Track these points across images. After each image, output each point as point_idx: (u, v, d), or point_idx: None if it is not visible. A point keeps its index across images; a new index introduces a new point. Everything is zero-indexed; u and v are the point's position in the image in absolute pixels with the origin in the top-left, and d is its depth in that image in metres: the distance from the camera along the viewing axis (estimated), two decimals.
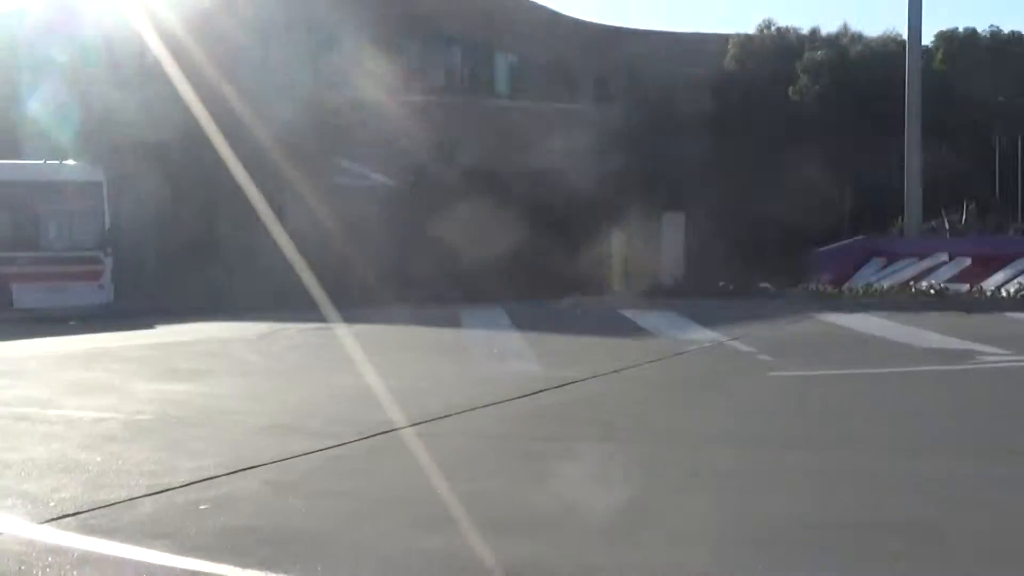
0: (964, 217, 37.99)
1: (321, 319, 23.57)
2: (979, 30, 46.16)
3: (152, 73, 29.52)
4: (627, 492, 9.42)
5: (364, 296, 26.71)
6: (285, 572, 7.21)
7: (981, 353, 18.21)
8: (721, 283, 31.40)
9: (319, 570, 7.22)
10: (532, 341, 21.38)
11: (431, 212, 33.44)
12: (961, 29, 45.74)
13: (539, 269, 29.69)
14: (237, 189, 26.69)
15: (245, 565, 7.33)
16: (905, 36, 38.76)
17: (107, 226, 26.99)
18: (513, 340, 21.77)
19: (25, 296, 25.38)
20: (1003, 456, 10.80)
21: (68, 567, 7.48)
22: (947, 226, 36.92)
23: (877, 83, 40.30)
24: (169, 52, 29.35)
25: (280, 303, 23.25)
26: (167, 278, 30.31)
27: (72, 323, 24.69)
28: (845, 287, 30.65)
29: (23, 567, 7.50)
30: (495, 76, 44.29)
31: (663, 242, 33.76)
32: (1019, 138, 42.71)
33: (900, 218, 35.61)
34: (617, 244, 33.53)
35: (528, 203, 34.82)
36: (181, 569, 7.35)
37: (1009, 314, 25.45)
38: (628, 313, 26.64)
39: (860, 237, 35.26)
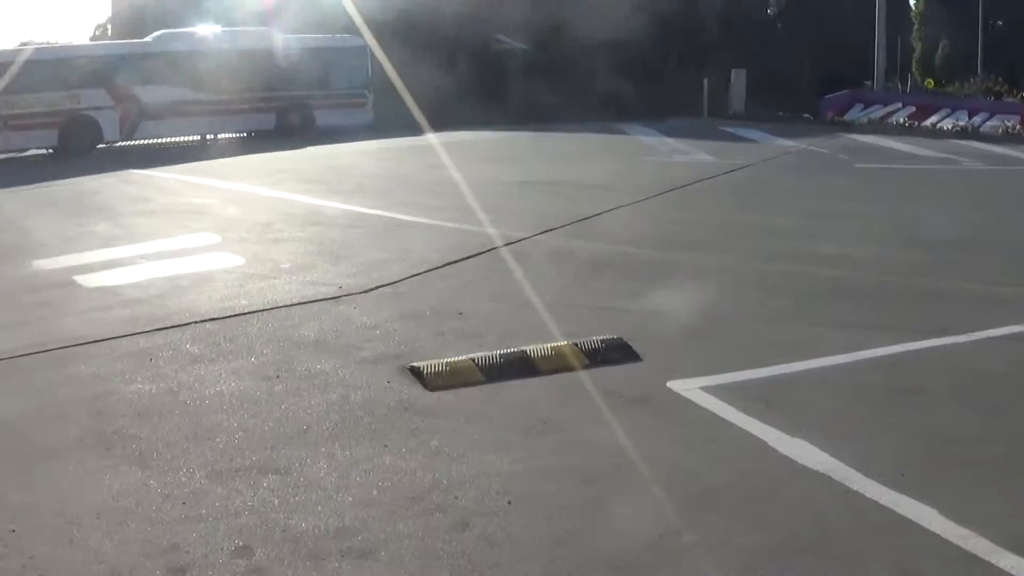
0: (909, 83, 37.87)
1: (524, 129, 21.47)
2: None
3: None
4: (802, 219, 11.26)
5: (530, 116, 24.89)
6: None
7: (957, 161, 18.42)
8: (780, 112, 30.06)
9: (656, 279, 7.97)
10: (689, 143, 19.70)
11: (555, 65, 31.25)
12: None
13: (642, 101, 28.23)
14: (433, 54, 26.61)
15: (637, 250, 9.09)
16: None
17: (370, 74, 26.01)
18: (673, 143, 19.93)
19: (322, 118, 24.73)
20: (993, 209, 12.47)
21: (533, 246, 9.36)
22: (900, 86, 36.59)
23: None
24: None
25: (471, 123, 21.36)
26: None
27: (361, 135, 22.72)
28: (845, 119, 29.27)
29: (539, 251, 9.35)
30: None
31: (732, 86, 33.09)
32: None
33: (869, 79, 34.80)
34: (704, 86, 32.39)
35: (626, 59, 31.30)
36: (636, 254, 9.12)
37: (951, 140, 24.18)
38: (726, 128, 24.47)
39: (846, 91, 32.97)
